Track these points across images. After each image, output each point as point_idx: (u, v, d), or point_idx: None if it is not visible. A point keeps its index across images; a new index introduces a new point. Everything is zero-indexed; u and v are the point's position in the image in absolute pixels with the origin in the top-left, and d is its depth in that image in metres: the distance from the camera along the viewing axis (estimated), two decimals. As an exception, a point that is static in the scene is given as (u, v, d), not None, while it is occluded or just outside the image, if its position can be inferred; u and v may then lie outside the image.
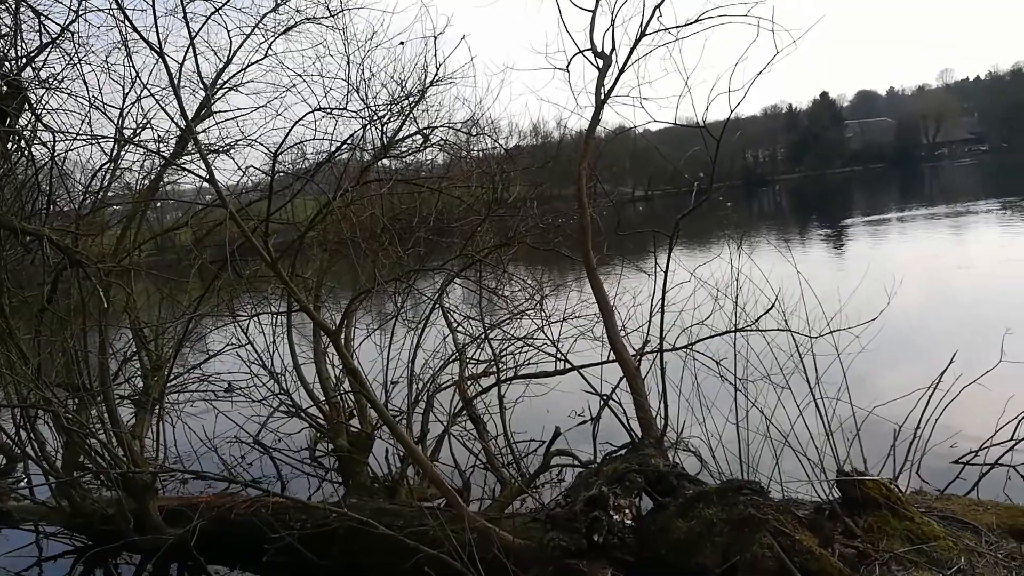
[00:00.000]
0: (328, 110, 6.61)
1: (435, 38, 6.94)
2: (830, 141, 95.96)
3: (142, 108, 6.83)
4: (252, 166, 7.13)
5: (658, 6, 5.50)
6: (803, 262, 6.37)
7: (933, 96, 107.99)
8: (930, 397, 6.35)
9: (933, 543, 4.14)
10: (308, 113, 6.29)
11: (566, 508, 4.10)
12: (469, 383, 7.15)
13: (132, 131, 6.93)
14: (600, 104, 5.58)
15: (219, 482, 6.69)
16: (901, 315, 7.23)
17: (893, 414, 6.25)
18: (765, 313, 5.96)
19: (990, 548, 4.25)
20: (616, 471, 4.53)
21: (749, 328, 5.81)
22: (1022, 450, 6.17)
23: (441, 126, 7.61)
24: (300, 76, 6.83)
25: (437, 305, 7.43)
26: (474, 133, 7.98)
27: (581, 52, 5.68)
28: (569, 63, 5.73)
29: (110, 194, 7.51)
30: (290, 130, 5.44)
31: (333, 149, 7.13)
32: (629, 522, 4.09)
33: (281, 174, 7.51)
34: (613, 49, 5.65)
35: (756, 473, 5.11)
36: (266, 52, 7.09)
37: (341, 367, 7.18)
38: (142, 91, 6.59)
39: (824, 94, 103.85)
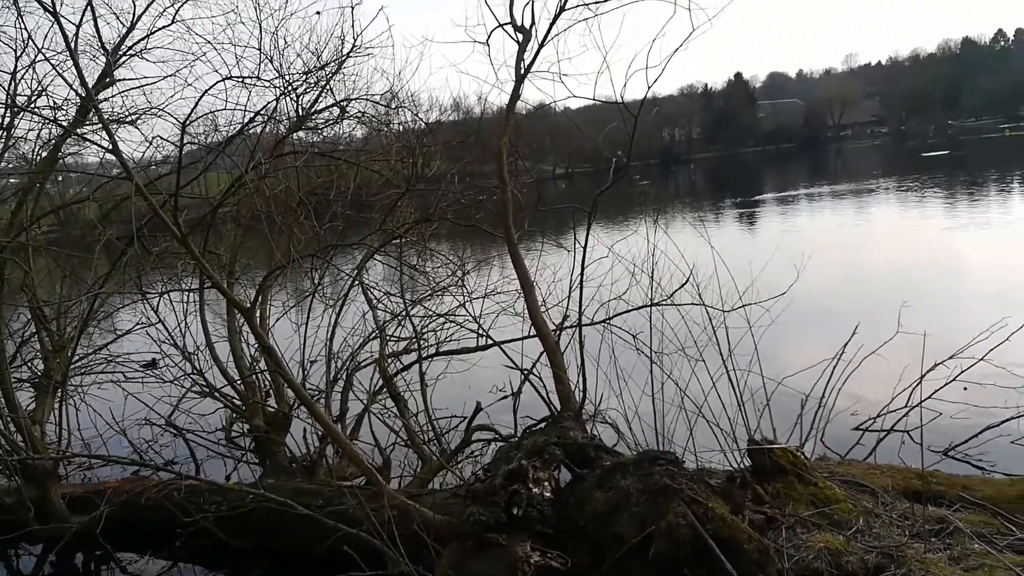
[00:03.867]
0: (240, 79, 6.36)
1: (352, 8, 6.76)
2: (744, 121, 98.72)
3: (36, 73, 6.43)
4: (160, 137, 6.81)
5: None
6: (717, 238, 6.54)
7: (839, 80, 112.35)
8: (834, 368, 6.67)
9: (835, 506, 4.36)
10: (219, 82, 6.05)
11: (486, 483, 4.12)
12: (390, 360, 7.08)
13: (27, 98, 6.51)
14: (520, 79, 5.56)
15: (128, 466, 6.45)
16: (808, 289, 7.53)
17: (800, 384, 6.52)
18: (680, 288, 6.11)
19: (886, 509, 4.50)
20: (535, 444, 4.57)
21: (665, 303, 5.95)
22: (916, 416, 6.55)
23: (359, 98, 7.44)
24: (210, 43, 6.54)
25: (356, 282, 7.31)
26: (393, 106, 7.84)
27: (501, 26, 5.63)
28: (489, 37, 5.68)
29: (3, 164, 7.07)
30: (199, 99, 5.20)
31: (246, 120, 6.89)
32: (548, 495, 4.14)
33: (191, 146, 7.22)
34: (533, 23, 5.63)
35: (671, 444, 5.26)
36: (173, 17, 6.76)
37: (256, 346, 7.00)
38: (36, 55, 6.20)
39: (738, 75, 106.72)
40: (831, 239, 20.60)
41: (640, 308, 6.04)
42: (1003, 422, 6.39)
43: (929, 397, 6.31)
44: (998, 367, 6.68)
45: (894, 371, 6.86)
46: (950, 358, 6.72)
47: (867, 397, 6.92)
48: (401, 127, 8.13)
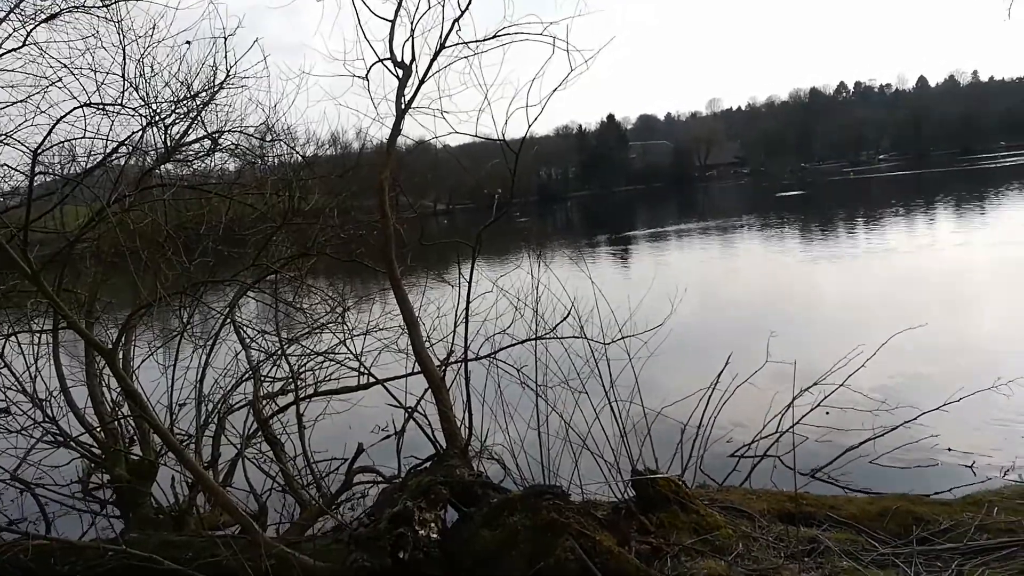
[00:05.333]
0: (101, 106, 5.96)
1: (224, 39, 6.51)
2: (616, 161, 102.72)
3: None
4: (7, 165, 6.26)
5: (457, 19, 5.54)
6: (595, 273, 6.68)
7: (704, 123, 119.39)
8: (709, 397, 6.92)
9: (716, 532, 4.47)
10: (76, 108, 5.65)
11: (370, 527, 3.96)
12: (265, 402, 6.74)
13: None
14: (400, 114, 5.51)
15: (-36, 528, 5.79)
16: (683, 321, 7.81)
17: (679, 414, 6.74)
18: (562, 321, 6.18)
19: (763, 532, 4.66)
20: (421, 484, 4.45)
21: (548, 336, 5.99)
22: (786, 440, 6.88)
23: (232, 130, 7.14)
24: (67, 67, 6.10)
25: (228, 320, 6.96)
26: (268, 139, 7.58)
27: (380, 61, 5.59)
28: (368, 71, 5.62)
29: None
30: (53, 127, 4.83)
31: (108, 151, 6.45)
32: (435, 536, 4.03)
33: (44, 177, 6.69)
34: (413, 59, 5.61)
35: (557, 477, 5.27)
36: (24, 40, 6.28)
37: (119, 390, 6.51)
38: None
39: (611, 116, 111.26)
40: (701, 273, 21.62)
41: (524, 342, 6.06)
42: (861, 443, 6.80)
43: (796, 423, 6.63)
44: (855, 392, 7.15)
45: (765, 398, 7.19)
46: (814, 385, 7.12)
47: (741, 424, 7.23)
48: (277, 160, 7.88)
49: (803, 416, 6.67)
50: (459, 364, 5.53)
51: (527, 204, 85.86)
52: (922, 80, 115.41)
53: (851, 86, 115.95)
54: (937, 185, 50.60)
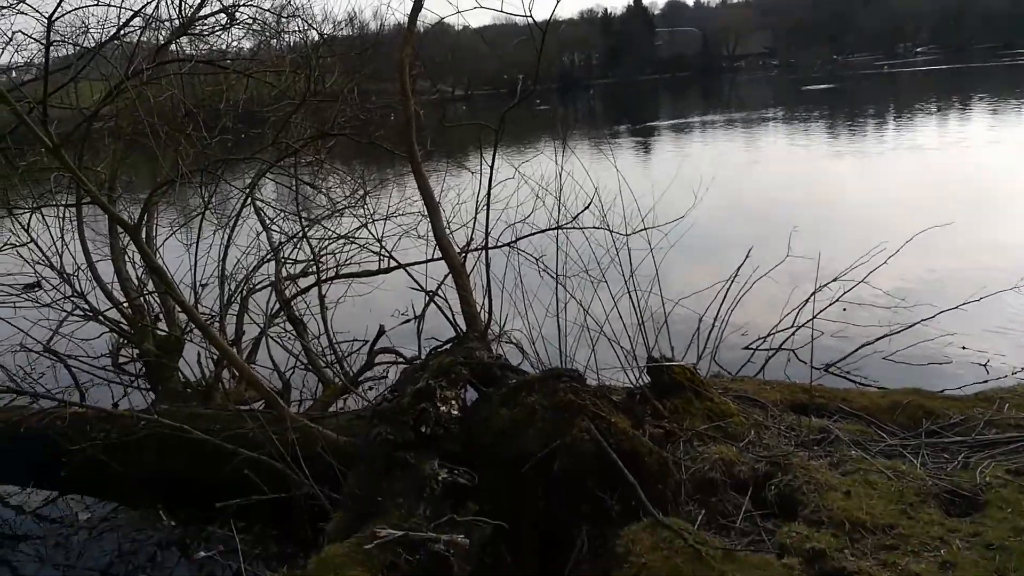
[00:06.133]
0: (112, -29, 5.75)
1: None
2: (642, 48, 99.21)
3: None
4: (21, 31, 6.12)
5: None
6: (618, 163, 6.56)
7: (735, 10, 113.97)
8: (728, 289, 6.94)
9: (729, 420, 4.57)
10: (88, -27, 5.45)
11: (393, 402, 4.07)
12: (286, 283, 6.84)
13: None
14: (423, -12, 5.29)
15: (3, 395, 6.03)
16: (705, 214, 7.72)
17: (696, 306, 6.77)
18: (584, 210, 6.12)
19: (774, 421, 4.76)
20: (442, 364, 4.54)
21: (569, 225, 5.95)
22: (801, 335, 6.93)
23: (248, 4, 6.91)
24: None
25: (249, 200, 6.96)
26: (285, 15, 7.33)
27: (403, -71, 5.31)
28: (390, -59, 5.36)
29: None
30: (66, -9, 4.65)
31: (122, 23, 6.27)
32: (456, 413, 4.14)
33: (59, 48, 6.55)
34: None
35: (574, 362, 5.36)
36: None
37: (143, 267, 6.61)
38: None
39: (637, 1, 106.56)
40: (724, 166, 21.17)
41: (545, 231, 6.03)
42: (877, 340, 6.85)
43: (813, 318, 6.66)
44: (875, 288, 7.13)
45: (783, 293, 7.21)
46: (833, 280, 7.10)
47: (759, 317, 7.26)
48: (294, 39, 7.64)
49: (820, 311, 6.67)
50: (479, 251, 5.54)
51: (548, 91, 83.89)
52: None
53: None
54: (975, 80, 48.68)
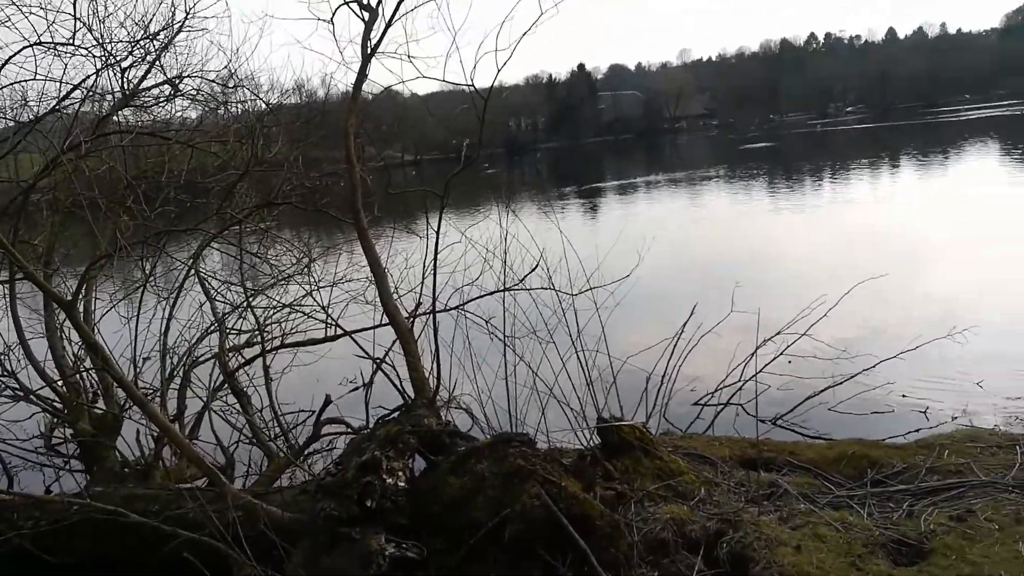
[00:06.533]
0: (52, 46, 5.73)
1: (182, -24, 6.26)
2: (586, 112, 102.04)
3: None
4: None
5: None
6: (564, 224, 6.68)
7: (674, 73, 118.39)
8: (674, 346, 7.03)
9: (679, 478, 4.58)
10: (26, 47, 5.43)
11: (337, 476, 3.98)
12: (231, 355, 6.70)
13: None
14: (366, 59, 5.38)
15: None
16: (650, 272, 7.85)
17: (644, 363, 6.83)
18: (531, 272, 6.17)
19: (724, 478, 4.79)
20: (389, 434, 4.47)
21: (516, 287, 5.99)
22: (749, 389, 7.03)
23: (192, 75, 6.93)
24: (14, 3, 5.81)
25: (192, 271, 6.85)
26: (231, 85, 7.36)
27: (346, 3, 5.43)
28: (333, 14, 5.45)
29: None
30: (2, 67, 4.63)
31: (62, 95, 6.23)
32: (403, 484, 4.06)
33: (-2, 119, 6.47)
34: (380, 1, 5.47)
35: (524, 426, 5.32)
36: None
37: (80, 343, 6.41)
38: None
39: (581, 66, 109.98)
40: (668, 224, 21.70)
41: (493, 293, 6.05)
42: (821, 391, 6.98)
43: (759, 372, 6.78)
44: (817, 341, 7.30)
45: (729, 348, 7.32)
46: (777, 334, 7.25)
47: (705, 374, 7.34)
48: (240, 108, 7.67)
49: (765, 365, 6.80)
50: (427, 315, 5.52)
51: (495, 155, 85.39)
52: (891, 32, 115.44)
53: (821, 38, 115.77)
54: (901, 138, 51.13)
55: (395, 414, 5.12)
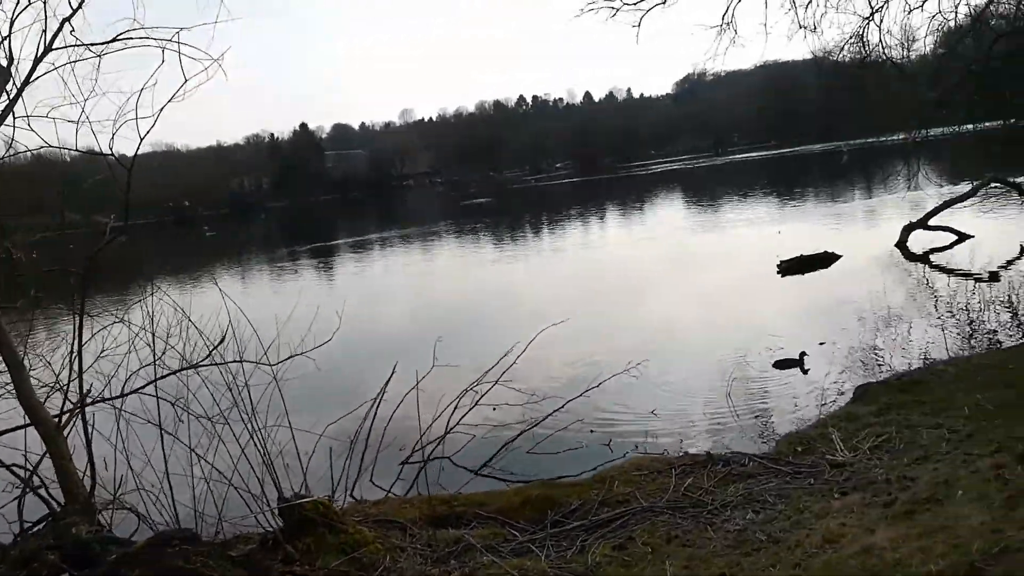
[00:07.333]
0: None
1: None
2: (312, 170, 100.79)
3: None
4: None
5: (67, 19, 4.94)
6: (261, 290, 6.38)
7: (398, 133, 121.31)
8: (377, 407, 6.95)
9: (363, 549, 4.46)
10: None
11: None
12: None
13: None
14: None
15: None
16: (353, 333, 7.79)
17: (347, 428, 6.67)
18: (218, 345, 5.71)
19: (412, 540, 4.76)
20: (24, 553, 3.87)
21: (197, 365, 5.54)
22: (453, 440, 7.15)
23: None
24: None
25: None
26: None
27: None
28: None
29: None
30: None
31: None
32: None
33: None
34: (11, 61, 4.89)
35: (203, 517, 4.91)
36: None
37: None
38: None
39: (303, 125, 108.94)
40: (368, 285, 21.94)
41: (162, 378, 5.53)
42: (516, 437, 7.27)
43: (455, 425, 6.95)
44: (511, 388, 7.63)
45: (432, 402, 7.41)
46: (477, 384, 7.48)
47: (408, 432, 7.33)
48: None
49: (462, 416, 6.98)
50: (78, 410, 4.91)
51: (218, 217, 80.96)
52: (588, 95, 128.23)
53: (530, 99, 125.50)
54: (604, 189, 56.94)
55: (41, 526, 4.47)
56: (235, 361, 5.65)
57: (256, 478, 4.88)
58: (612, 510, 5.03)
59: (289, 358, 5.96)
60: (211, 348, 5.70)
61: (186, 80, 4.53)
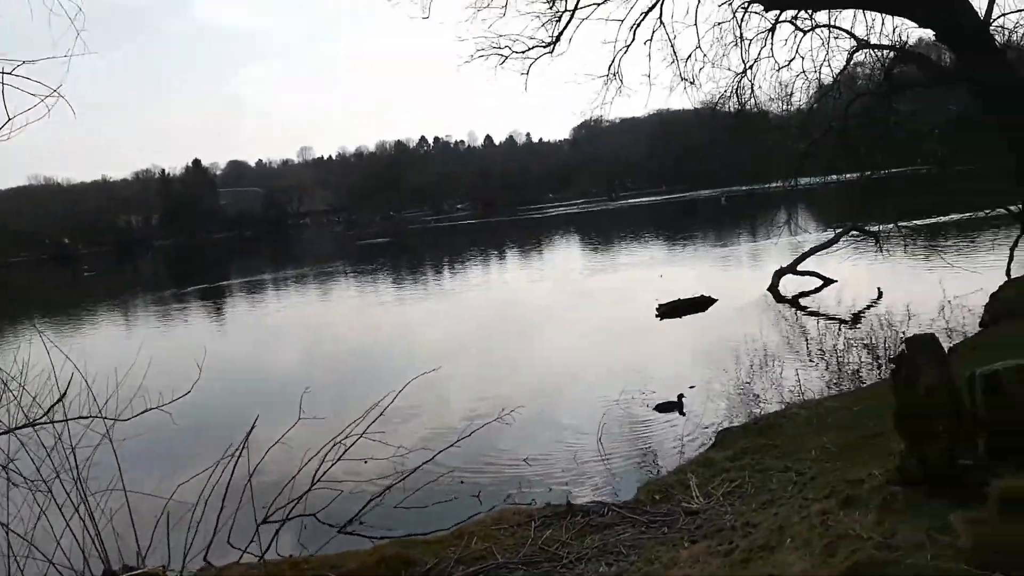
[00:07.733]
0: None
1: None
2: (206, 207, 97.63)
3: None
4: None
5: None
6: (120, 339, 6.04)
7: (295, 170, 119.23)
8: (235, 464, 6.61)
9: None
10: None
11: None
12: None
13: None
14: None
15: None
16: (217, 383, 7.42)
17: (201, 488, 6.30)
18: (51, 408, 5.33)
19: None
20: None
21: (10, 431, 5.12)
22: (318, 497, 6.86)
23: None
24: None
25: None
26: None
27: None
28: None
29: None
30: None
31: None
32: None
33: None
34: None
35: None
36: None
37: None
38: None
39: (196, 161, 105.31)
40: (247, 329, 21.26)
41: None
42: (384, 491, 7.07)
43: (320, 479, 6.68)
44: (378, 441, 7.43)
45: (296, 457, 7.11)
46: (344, 437, 7.21)
47: (269, 489, 7.02)
48: None
49: (325, 472, 6.72)
50: None
51: (100, 255, 77.01)
52: (488, 139, 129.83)
53: (431, 140, 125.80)
54: (503, 232, 57.49)
55: None
56: (63, 420, 5.25)
57: (81, 550, 4.53)
58: (467, 568, 4.95)
59: (143, 412, 5.66)
60: (46, 409, 5.31)
61: (10, 118, 4.22)
